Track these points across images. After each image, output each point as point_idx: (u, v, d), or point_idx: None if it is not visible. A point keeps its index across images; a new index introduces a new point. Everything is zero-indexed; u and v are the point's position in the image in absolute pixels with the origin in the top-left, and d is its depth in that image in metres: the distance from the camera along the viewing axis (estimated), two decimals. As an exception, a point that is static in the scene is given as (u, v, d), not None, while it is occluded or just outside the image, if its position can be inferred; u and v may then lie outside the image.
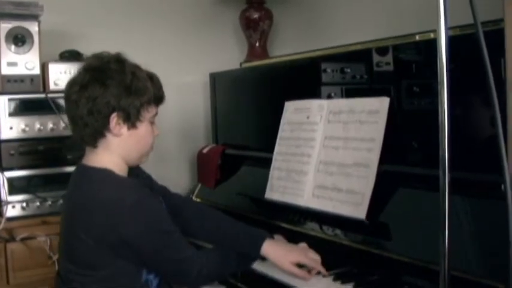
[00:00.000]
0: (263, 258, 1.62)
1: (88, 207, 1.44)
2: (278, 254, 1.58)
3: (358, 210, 1.61)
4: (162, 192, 1.80)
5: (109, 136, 1.48)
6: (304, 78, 2.10)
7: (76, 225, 1.46)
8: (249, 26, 2.87)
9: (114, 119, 1.45)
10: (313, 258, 1.59)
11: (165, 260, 1.48)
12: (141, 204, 1.44)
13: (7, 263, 2.08)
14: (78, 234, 1.44)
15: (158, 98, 1.56)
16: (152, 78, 1.55)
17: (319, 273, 1.59)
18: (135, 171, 1.63)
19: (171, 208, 1.69)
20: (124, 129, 1.49)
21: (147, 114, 1.52)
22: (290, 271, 1.56)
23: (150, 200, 1.49)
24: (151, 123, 1.55)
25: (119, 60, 1.50)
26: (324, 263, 1.62)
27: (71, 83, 1.49)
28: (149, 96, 1.50)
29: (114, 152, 1.51)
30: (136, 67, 1.53)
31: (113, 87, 1.44)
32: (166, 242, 1.47)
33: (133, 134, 1.50)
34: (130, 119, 1.48)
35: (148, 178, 1.78)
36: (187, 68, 2.94)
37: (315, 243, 1.75)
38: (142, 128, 1.52)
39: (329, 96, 1.94)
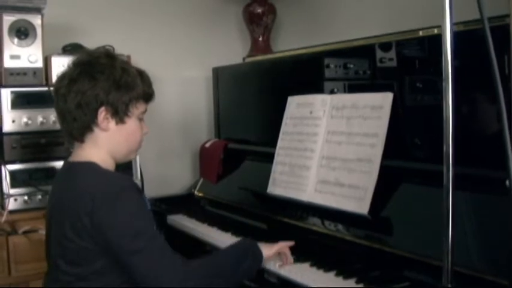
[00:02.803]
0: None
1: (72, 200, 1.40)
2: None
3: (361, 206, 1.60)
4: None
5: (97, 131, 1.46)
6: (307, 73, 2.10)
7: (63, 221, 1.41)
8: (252, 20, 2.87)
9: (102, 113, 1.44)
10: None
11: (137, 264, 1.35)
12: (123, 194, 1.37)
13: (9, 255, 2.09)
14: (65, 231, 1.39)
15: (148, 95, 1.54)
16: (142, 74, 1.53)
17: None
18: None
19: None
20: (112, 123, 1.47)
21: (136, 110, 1.50)
22: None
23: (135, 194, 1.41)
24: (140, 120, 1.53)
25: (109, 56, 1.49)
26: (326, 258, 1.63)
27: (60, 77, 1.47)
28: (138, 92, 1.49)
29: (101, 147, 1.48)
30: (127, 63, 1.52)
31: (102, 81, 1.42)
32: (141, 243, 1.35)
33: (122, 129, 1.48)
34: (119, 114, 1.46)
35: None
36: (190, 62, 2.94)
37: (317, 239, 1.76)
38: (131, 123, 1.50)
39: (332, 92, 1.93)
